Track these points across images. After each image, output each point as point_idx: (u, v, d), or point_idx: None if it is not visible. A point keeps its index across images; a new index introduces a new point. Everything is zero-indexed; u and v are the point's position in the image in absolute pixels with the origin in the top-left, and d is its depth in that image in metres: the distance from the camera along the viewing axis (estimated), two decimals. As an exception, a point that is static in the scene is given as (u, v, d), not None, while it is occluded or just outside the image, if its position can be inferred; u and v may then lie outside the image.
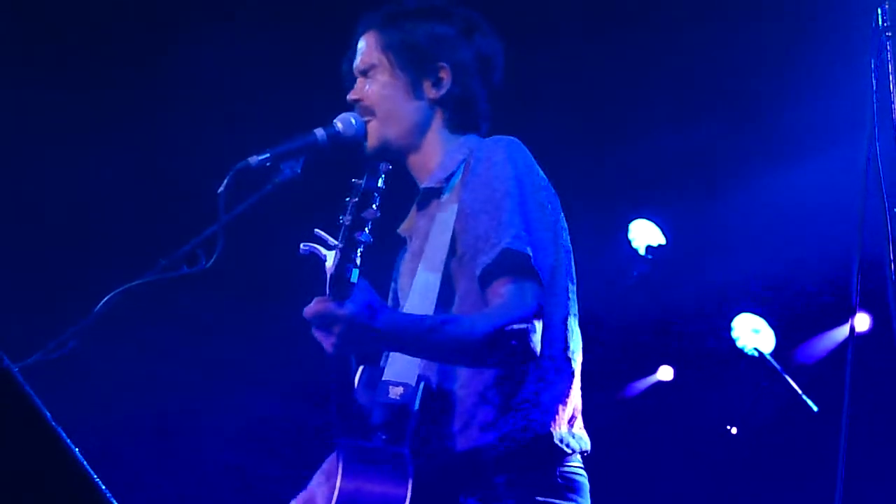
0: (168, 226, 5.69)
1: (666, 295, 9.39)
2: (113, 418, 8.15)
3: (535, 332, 3.56)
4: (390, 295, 4.17)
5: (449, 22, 4.05)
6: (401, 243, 4.16)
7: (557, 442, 3.65)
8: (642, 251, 9.14)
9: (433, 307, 3.65)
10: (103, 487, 2.80)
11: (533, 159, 3.85)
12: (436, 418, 3.62)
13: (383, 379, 3.60)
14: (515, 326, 3.52)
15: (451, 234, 3.74)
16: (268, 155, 3.97)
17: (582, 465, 3.74)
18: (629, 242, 9.15)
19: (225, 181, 3.91)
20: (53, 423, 2.77)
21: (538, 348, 3.57)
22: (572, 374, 3.76)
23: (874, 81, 3.98)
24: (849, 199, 4.02)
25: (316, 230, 3.50)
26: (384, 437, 3.53)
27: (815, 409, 9.08)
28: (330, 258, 3.36)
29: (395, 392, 3.55)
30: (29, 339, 3.93)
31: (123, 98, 7.44)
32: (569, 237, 3.89)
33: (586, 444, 3.76)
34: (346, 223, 3.33)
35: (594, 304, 4.00)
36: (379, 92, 4.04)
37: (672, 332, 9.78)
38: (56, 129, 7.51)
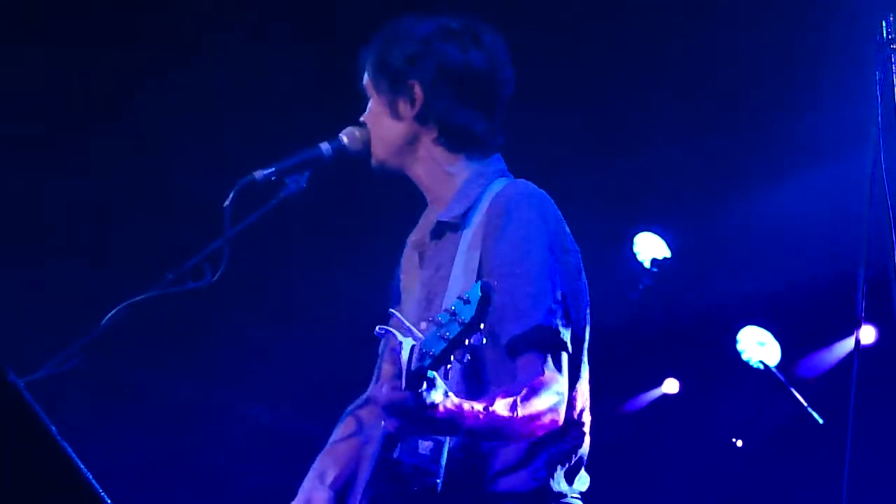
0: (174, 240, 5.69)
1: (671, 308, 9.38)
2: (118, 432, 8.15)
3: (563, 403, 3.68)
4: (393, 289, 4.21)
5: (422, 37, 4.02)
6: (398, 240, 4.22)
7: (556, 495, 3.80)
8: (647, 264, 9.13)
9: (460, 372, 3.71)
10: (108, 501, 2.81)
11: (561, 216, 3.87)
12: (457, 473, 3.68)
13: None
14: (550, 405, 3.63)
15: (474, 277, 3.75)
16: (273, 169, 3.99)
17: (579, 499, 3.89)
18: (634, 255, 9.14)
19: (230, 195, 3.92)
20: (59, 438, 2.77)
21: (562, 420, 3.69)
22: (582, 434, 3.87)
23: (879, 94, 3.98)
24: (854, 211, 4.02)
25: (392, 310, 3.57)
26: (415, 489, 3.60)
27: (820, 421, 9.05)
28: (406, 347, 3.35)
29: (425, 447, 3.61)
30: (34, 353, 3.94)
31: (131, 111, 7.44)
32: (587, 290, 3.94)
33: (585, 485, 3.90)
34: (449, 336, 3.25)
35: (599, 317, 4.00)
36: (369, 116, 4.10)
37: (677, 344, 9.77)
38: (63, 140, 7.51)
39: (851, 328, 3.98)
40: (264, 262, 7.49)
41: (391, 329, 3.42)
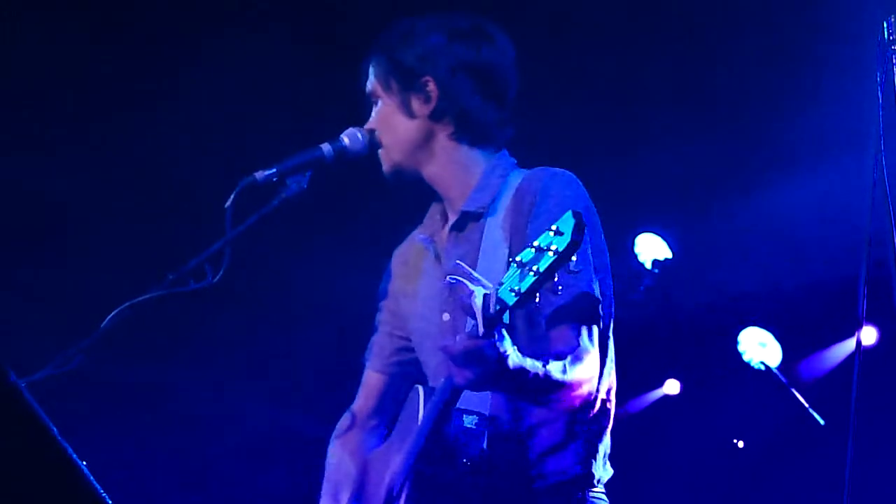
0: (175, 241, 5.69)
1: (672, 308, 9.39)
2: (119, 434, 8.15)
3: (596, 378, 3.72)
4: (388, 296, 4.21)
5: (434, 34, 4.04)
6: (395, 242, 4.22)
7: (595, 482, 3.85)
8: (649, 265, 9.14)
9: None
10: (109, 502, 2.80)
11: (589, 196, 3.92)
12: (502, 448, 3.70)
13: (457, 407, 3.62)
14: (590, 376, 3.66)
15: (506, 261, 3.74)
16: (274, 170, 3.99)
17: (604, 491, 3.91)
18: (636, 256, 9.15)
19: (231, 196, 3.92)
20: (60, 439, 2.77)
21: (596, 392, 3.74)
22: (609, 413, 3.91)
23: (880, 94, 3.98)
24: (855, 212, 4.02)
25: (458, 262, 3.50)
26: (460, 466, 3.60)
27: (821, 422, 9.06)
28: (479, 295, 3.29)
29: (470, 420, 3.62)
30: (36, 354, 3.94)
31: (132, 112, 7.44)
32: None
33: (610, 473, 3.94)
34: (539, 270, 3.19)
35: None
36: (380, 120, 4.08)
37: (679, 345, 9.78)
38: (64, 140, 7.51)
39: (852, 329, 3.97)
40: (265, 263, 7.49)
41: (461, 279, 3.35)
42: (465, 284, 3.32)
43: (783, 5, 7.19)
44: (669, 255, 9.14)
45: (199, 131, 7.46)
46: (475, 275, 3.35)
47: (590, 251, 3.78)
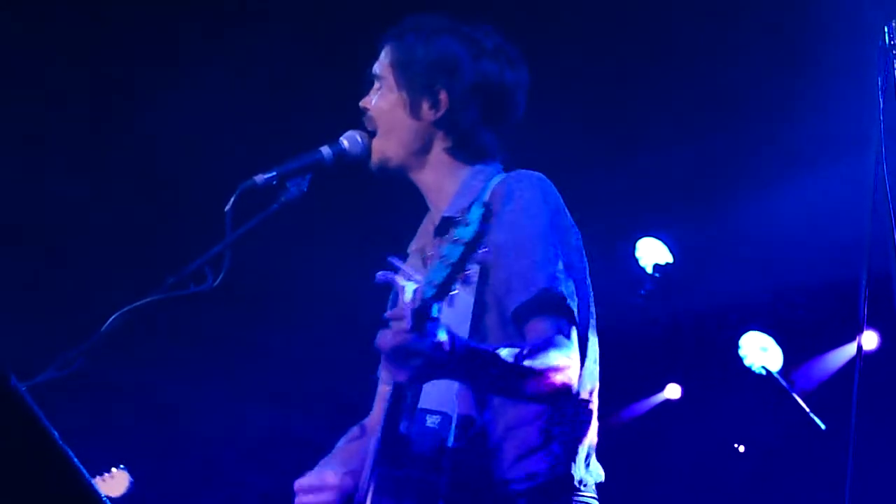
0: (175, 244, 5.69)
1: (673, 313, 9.39)
2: (119, 437, 8.16)
3: (575, 372, 3.64)
4: (390, 298, 4.19)
5: (459, 44, 3.99)
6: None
7: (577, 483, 3.75)
8: (650, 269, 9.14)
9: (467, 334, 3.64)
10: (109, 505, 2.80)
11: (560, 198, 3.86)
12: (468, 450, 3.65)
13: (420, 407, 3.59)
14: (560, 365, 3.57)
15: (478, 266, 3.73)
16: (274, 173, 3.98)
17: (595, 495, 3.83)
18: (637, 261, 9.15)
19: (232, 199, 3.92)
20: (60, 442, 2.77)
21: (576, 388, 3.66)
22: (591, 414, 3.85)
23: (881, 99, 3.98)
24: (856, 216, 4.02)
25: (390, 258, 3.44)
26: (420, 466, 3.54)
27: (822, 426, 9.06)
28: (409, 290, 3.28)
29: (433, 420, 3.58)
30: (36, 357, 3.94)
31: (133, 115, 7.45)
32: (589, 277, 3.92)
33: (600, 475, 3.86)
34: (451, 261, 3.22)
35: (602, 323, 4.00)
36: (381, 106, 4.02)
37: (680, 349, 9.78)
38: (64, 143, 7.52)
39: (853, 333, 3.97)
40: (265, 267, 7.48)
41: (392, 275, 3.35)
42: (396, 281, 3.32)
43: (783, 10, 7.19)
44: (670, 259, 9.15)
45: (200, 135, 7.46)
46: (406, 270, 3.33)
47: (554, 251, 3.72)
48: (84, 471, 2.79)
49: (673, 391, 10.17)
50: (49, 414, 2.78)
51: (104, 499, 2.84)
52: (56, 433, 2.79)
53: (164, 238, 7.47)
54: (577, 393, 3.72)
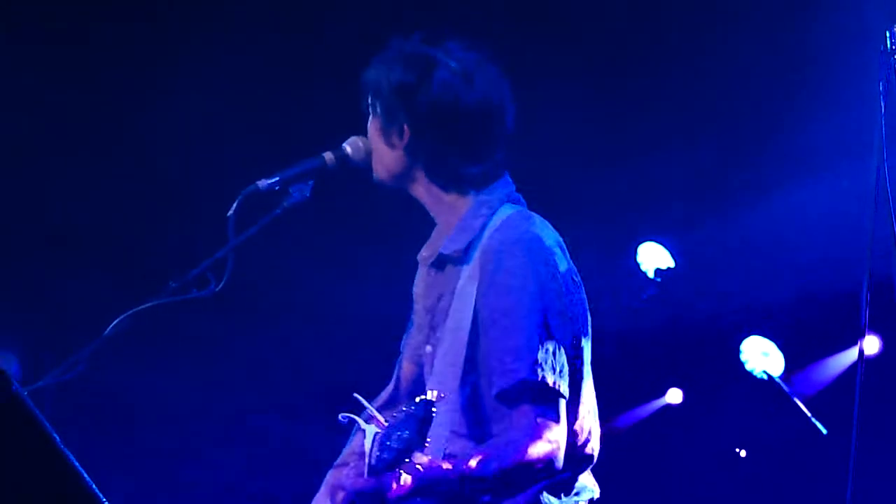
0: (178, 249, 5.70)
1: (674, 318, 9.39)
2: (121, 441, 8.16)
3: (559, 449, 3.65)
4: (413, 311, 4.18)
5: (417, 70, 3.92)
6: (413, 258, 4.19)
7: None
8: (651, 274, 9.14)
9: (458, 382, 3.70)
10: (111, 510, 2.81)
11: (554, 252, 3.80)
12: None
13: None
14: (540, 454, 3.60)
15: (472, 314, 3.74)
16: (277, 178, 3.99)
17: None
18: (638, 265, 9.15)
19: (234, 205, 3.92)
20: (62, 447, 2.77)
21: (561, 464, 3.66)
22: (587, 462, 3.87)
23: (883, 104, 3.98)
24: (857, 221, 4.02)
25: (356, 395, 3.54)
26: None
27: (824, 431, 9.06)
28: (369, 434, 3.38)
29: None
30: (38, 362, 3.94)
31: (135, 120, 7.45)
32: (590, 323, 3.90)
33: (592, 493, 3.89)
34: (405, 435, 3.28)
35: (603, 327, 4.00)
36: (369, 131, 4.05)
37: (681, 354, 9.77)
38: (66, 148, 7.52)
39: (855, 338, 3.97)
40: (268, 272, 7.48)
41: (354, 417, 3.49)
42: (358, 423, 3.45)
43: (785, 15, 7.19)
44: (672, 264, 9.15)
45: (203, 139, 7.46)
46: (370, 409, 3.42)
47: (539, 331, 3.67)
48: (85, 474, 2.80)
49: (674, 396, 10.17)
50: (51, 417, 2.79)
51: (104, 501, 2.84)
52: (57, 436, 2.80)
53: (168, 243, 7.46)
54: (567, 453, 3.72)
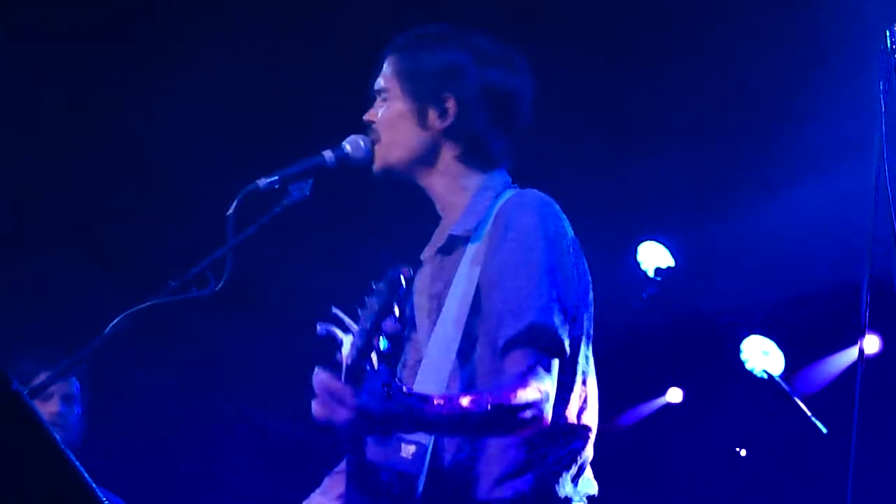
0: (177, 248, 5.69)
1: (675, 317, 9.39)
2: (120, 441, 8.15)
3: (547, 401, 3.57)
4: (410, 311, 4.17)
5: (464, 51, 3.98)
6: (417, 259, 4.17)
7: (562, 500, 3.71)
8: (651, 273, 9.14)
9: (451, 362, 3.67)
10: (112, 510, 2.81)
11: (562, 219, 3.83)
12: (445, 478, 3.64)
13: (397, 434, 3.56)
14: (528, 399, 3.52)
15: (474, 289, 3.73)
16: (276, 177, 3.98)
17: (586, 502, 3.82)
18: (638, 265, 9.15)
19: (234, 203, 3.92)
20: (62, 446, 2.78)
21: (549, 417, 3.58)
22: (584, 433, 3.81)
23: (883, 104, 3.98)
24: (858, 221, 4.02)
25: (334, 309, 3.47)
26: (394, 495, 3.53)
27: (824, 431, 9.06)
28: (346, 344, 3.33)
29: (408, 451, 3.56)
30: (38, 361, 3.93)
31: (134, 118, 7.45)
32: (592, 292, 3.89)
33: (592, 489, 3.83)
34: (367, 327, 3.28)
35: (603, 327, 3.99)
36: (388, 117, 4.01)
37: (681, 353, 9.78)
38: (64, 146, 7.52)
39: (855, 337, 3.96)
40: (268, 271, 7.49)
41: (332, 328, 3.38)
42: (335, 333, 3.36)
43: (785, 15, 7.19)
44: (672, 263, 9.15)
45: (202, 138, 7.46)
46: (347, 322, 3.37)
47: (549, 280, 3.67)
48: (85, 473, 2.80)
49: (674, 395, 10.18)
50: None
51: (105, 501, 2.84)
52: (57, 436, 2.80)
53: (167, 242, 7.46)
54: (562, 415, 3.69)
